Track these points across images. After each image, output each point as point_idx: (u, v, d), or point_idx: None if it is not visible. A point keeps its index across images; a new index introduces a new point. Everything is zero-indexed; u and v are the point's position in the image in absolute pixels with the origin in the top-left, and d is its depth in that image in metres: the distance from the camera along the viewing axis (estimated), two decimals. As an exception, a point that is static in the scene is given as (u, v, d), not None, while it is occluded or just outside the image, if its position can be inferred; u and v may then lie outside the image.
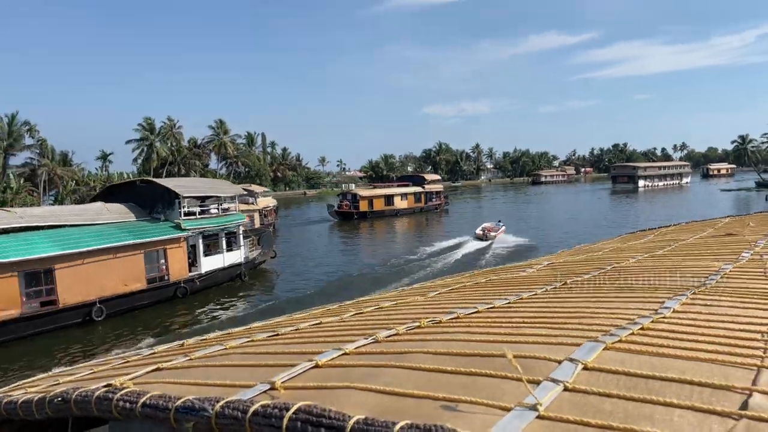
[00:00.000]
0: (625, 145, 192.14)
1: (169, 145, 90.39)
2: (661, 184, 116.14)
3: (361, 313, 3.73)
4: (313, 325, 3.34)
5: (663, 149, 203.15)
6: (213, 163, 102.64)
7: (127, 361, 2.96)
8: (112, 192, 26.85)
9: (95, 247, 20.50)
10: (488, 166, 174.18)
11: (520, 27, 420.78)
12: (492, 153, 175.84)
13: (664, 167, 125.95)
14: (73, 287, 19.80)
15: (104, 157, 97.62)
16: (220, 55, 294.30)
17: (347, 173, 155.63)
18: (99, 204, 24.35)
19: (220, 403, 1.54)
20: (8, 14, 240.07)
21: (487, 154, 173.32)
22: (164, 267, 23.64)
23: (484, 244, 37.66)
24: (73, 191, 70.92)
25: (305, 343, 2.77)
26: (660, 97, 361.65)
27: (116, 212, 23.75)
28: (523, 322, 2.69)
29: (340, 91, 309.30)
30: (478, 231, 40.25)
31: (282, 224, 56.40)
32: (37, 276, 19.09)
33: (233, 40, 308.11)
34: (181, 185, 26.55)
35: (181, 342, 3.42)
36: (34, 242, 19.20)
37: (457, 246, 37.41)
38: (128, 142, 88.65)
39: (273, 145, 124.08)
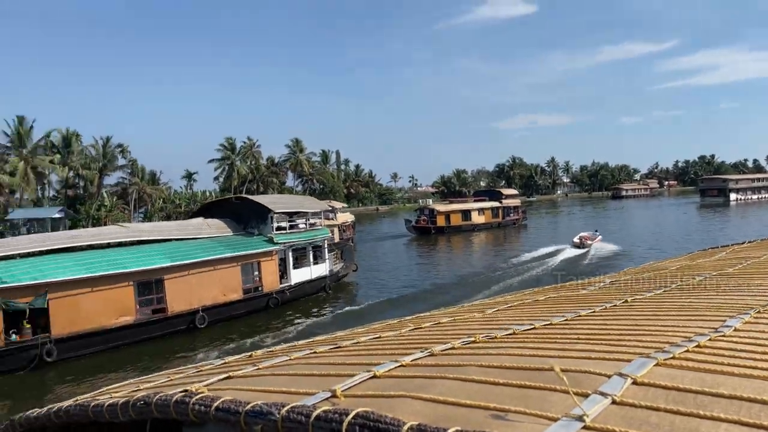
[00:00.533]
0: (712, 156, 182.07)
1: (248, 163, 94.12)
2: (755, 197, 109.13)
3: (420, 328, 3.81)
4: (373, 338, 3.45)
5: (755, 161, 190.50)
6: (289, 180, 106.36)
7: (200, 370, 3.13)
8: (210, 208, 28.63)
9: (198, 260, 21.97)
10: (564, 180, 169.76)
11: (594, 38, 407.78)
12: (568, 167, 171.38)
13: (758, 179, 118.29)
14: (180, 296, 21.25)
15: (189, 176, 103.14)
16: (295, 75, 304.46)
17: (419, 189, 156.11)
18: (200, 219, 26.04)
19: (286, 408, 1.66)
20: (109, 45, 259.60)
21: (563, 167, 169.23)
22: (258, 278, 24.86)
23: (581, 251, 39.75)
24: (161, 209, 75.21)
25: (364, 355, 2.89)
26: (749, 105, 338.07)
27: (215, 227, 25.27)
28: (578, 339, 2.72)
29: (411, 107, 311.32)
30: (575, 239, 42.75)
31: (358, 239, 57.45)
32: (149, 285, 20.62)
33: (307, 58, 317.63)
34: (273, 201, 27.92)
35: (249, 353, 3.61)
36: (147, 255, 20.85)
37: (550, 255, 38.55)
38: (211, 161, 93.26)
39: (346, 162, 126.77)
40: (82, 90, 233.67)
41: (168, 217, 69.28)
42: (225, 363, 3.22)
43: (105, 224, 53.30)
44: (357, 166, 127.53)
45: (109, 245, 21.64)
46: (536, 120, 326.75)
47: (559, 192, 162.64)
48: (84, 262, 19.35)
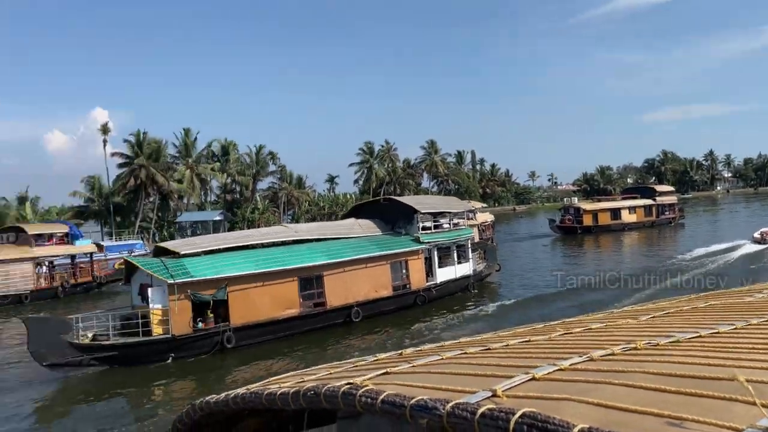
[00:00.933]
0: None
1: (386, 166, 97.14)
2: None
3: (570, 333, 3.68)
4: (522, 341, 3.38)
5: None
6: (425, 181, 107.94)
7: (356, 365, 3.17)
8: (360, 209, 30.18)
9: (353, 258, 23.31)
10: (725, 175, 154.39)
11: (756, 17, 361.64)
12: (730, 160, 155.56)
13: None
14: (337, 292, 22.68)
15: (331, 180, 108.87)
16: (431, 80, 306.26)
17: (559, 187, 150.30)
18: (351, 220, 27.61)
19: (450, 404, 1.67)
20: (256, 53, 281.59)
21: (723, 161, 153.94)
22: (406, 276, 25.70)
23: (761, 247, 38.14)
24: (306, 211, 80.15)
25: (517, 357, 2.85)
26: None
27: (365, 227, 26.60)
28: (753, 348, 2.52)
29: (550, 104, 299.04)
30: (756, 235, 41.44)
31: (497, 239, 56.89)
32: (309, 281, 22.26)
33: (439, 59, 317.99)
34: (419, 202, 28.75)
35: (399, 351, 3.65)
36: (307, 253, 22.58)
37: (721, 253, 36.70)
38: (351, 165, 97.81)
39: (482, 161, 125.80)
40: (239, 99, 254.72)
41: (313, 219, 73.68)
42: (377, 359, 3.32)
43: (258, 226, 57.89)
44: (493, 165, 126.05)
45: (274, 244, 23.73)
46: (689, 111, 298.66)
47: (718, 188, 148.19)
48: (254, 259, 21.45)
